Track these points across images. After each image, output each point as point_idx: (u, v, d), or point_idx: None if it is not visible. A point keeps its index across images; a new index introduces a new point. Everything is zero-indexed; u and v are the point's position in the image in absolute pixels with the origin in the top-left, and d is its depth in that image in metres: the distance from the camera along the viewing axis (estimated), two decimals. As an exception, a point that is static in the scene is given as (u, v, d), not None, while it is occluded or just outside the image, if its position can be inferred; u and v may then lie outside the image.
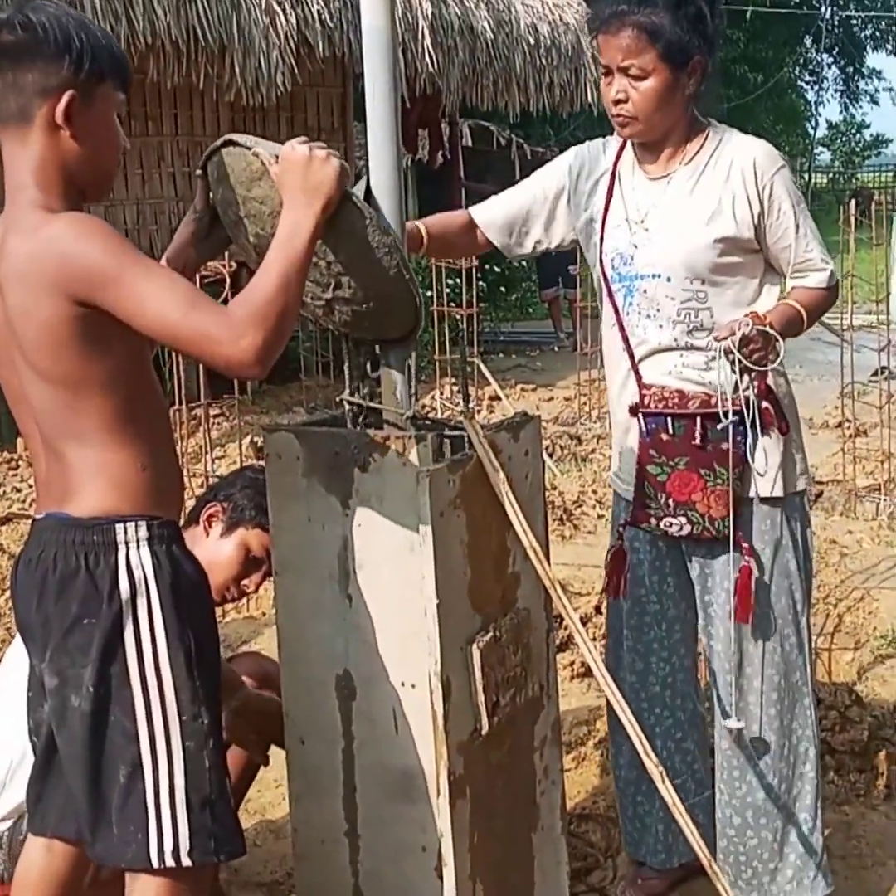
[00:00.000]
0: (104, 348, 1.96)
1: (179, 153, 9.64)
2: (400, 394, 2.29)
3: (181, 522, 3.06)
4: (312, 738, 2.32)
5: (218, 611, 4.71)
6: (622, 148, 2.77)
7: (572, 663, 4.22)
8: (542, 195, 2.84)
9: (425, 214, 2.88)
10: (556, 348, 12.13)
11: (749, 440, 2.62)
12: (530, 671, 2.37)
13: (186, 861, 2.02)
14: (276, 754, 3.56)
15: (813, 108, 36.16)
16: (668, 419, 2.67)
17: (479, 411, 8.00)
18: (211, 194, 2.21)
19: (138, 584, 2.01)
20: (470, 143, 15.19)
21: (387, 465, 2.16)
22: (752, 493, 2.67)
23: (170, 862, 2.02)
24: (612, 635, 2.98)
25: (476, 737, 2.22)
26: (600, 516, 6.18)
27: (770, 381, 2.65)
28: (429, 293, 7.59)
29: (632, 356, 2.73)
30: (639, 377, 2.72)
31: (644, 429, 2.71)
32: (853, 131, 42.13)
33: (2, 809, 2.53)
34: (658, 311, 2.68)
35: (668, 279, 2.65)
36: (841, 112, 39.56)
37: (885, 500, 5.99)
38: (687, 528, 2.69)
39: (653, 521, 2.74)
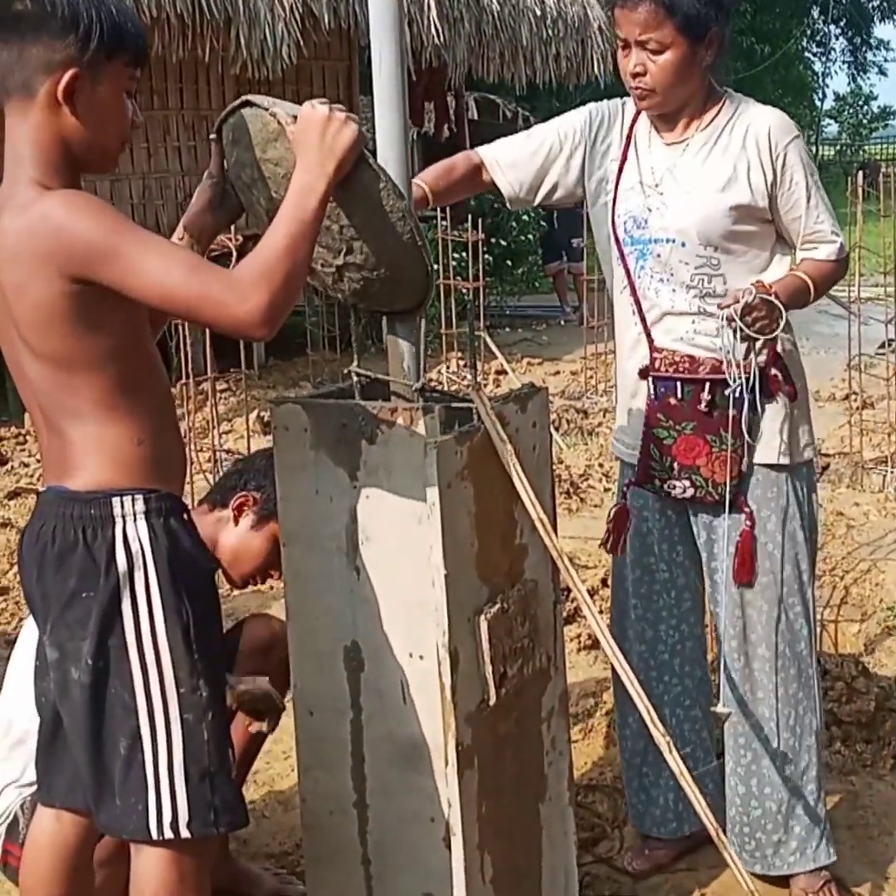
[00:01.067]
0: (96, 326, 1.95)
1: (185, 127, 9.62)
2: (407, 366, 2.29)
3: (199, 499, 3.08)
4: (321, 709, 2.33)
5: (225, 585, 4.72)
6: (639, 111, 2.76)
7: (579, 635, 4.23)
8: (559, 144, 2.81)
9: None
10: (562, 323, 12.09)
11: (756, 408, 2.62)
12: (538, 642, 2.37)
13: (185, 833, 2.03)
14: (285, 726, 3.58)
15: (820, 79, 35.95)
16: (678, 383, 2.70)
17: (485, 385, 7.99)
18: (225, 158, 2.20)
19: (135, 557, 2.01)
20: (476, 117, 15.12)
21: (394, 437, 2.16)
22: (757, 460, 2.70)
23: (168, 834, 2.03)
24: (618, 606, 2.99)
25: (484, 708, 2.23)
26: (607, 490, 6.18)
27: (779, 348, 2.66)
28: (435, 267, 7.58)
29: (644, 319, 2.74)
30: (650, 340, 2.73)
31: (653, 392, 2.73)
32: (861, 103, 41.90)
33: (27, 777, 2.55)
34: (672, 275, 2.69)
35: (683, 244, 2.66)
36: (848, 83, 39.37)
37: (891, 472, 5.98)
38: (690, 491, 2.73)
39: (657, 482, 2.77)
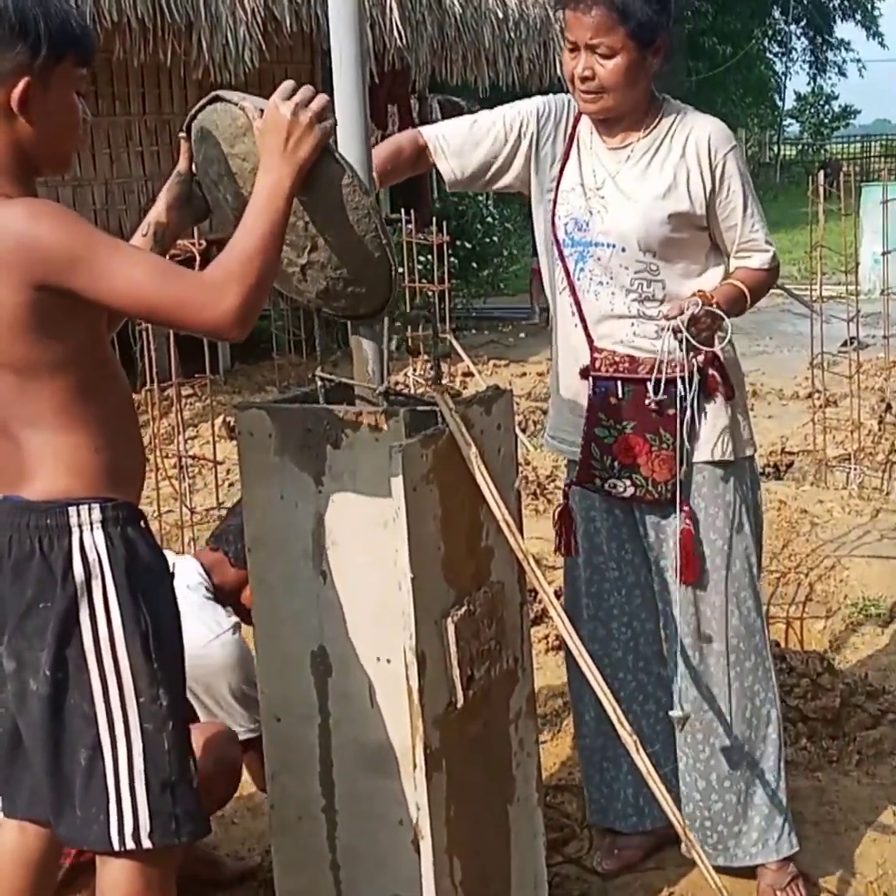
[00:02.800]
0: (55, 334, 1.94)
1: (147, 132, 9.56)
2: (372, 370, 2.29)
3: (209, 540, 3.08)
4: (288, 715, 2.32)
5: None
6: (580, 114, 2.77)
7: (547, 636, 4.24)
8: (504, 136, 2.79)
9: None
10: (536, 321, 11.94)
11: (696, 408, 2.66)
12: (505, 644, 2.38)
13: (147, 843, 2.03)
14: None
15: (782, 79, 36.20)
16: (619, 383, 2.72)
17: (452, 387, 7.98)
18: (193, 156, 2.20)
19: (92, 566, 1.99)
20: (440, 119, 15.14)
21: (359, 441, 2.16)
22: (699, 458, 2.73)
23: (130, 844, 2.02)
24: (570, 606, 2.99)
25: (451, 710, 2.23)
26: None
27: (716, 348, 2.69)
28: (400, 270, 7.56)
29: (584, 321, 2.76)
30: (590, 341, 2.75)
31: (593, 391, 2.75)
32: (822, 103, 42.18)
33: None
34: (611, 278, 2.71)
35: (623, 249, 2.68)
36: (809, 83, 39.61)
37: (855, 469, 6.03)
38: (630, 490, 2.75)
39: (598, 481, 2.79)
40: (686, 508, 2.72)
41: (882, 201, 6.90)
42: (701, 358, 2.64)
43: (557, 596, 4.35)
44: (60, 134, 2.02)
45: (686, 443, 2.68)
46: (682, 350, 2.57)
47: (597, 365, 2.74)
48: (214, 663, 2.76)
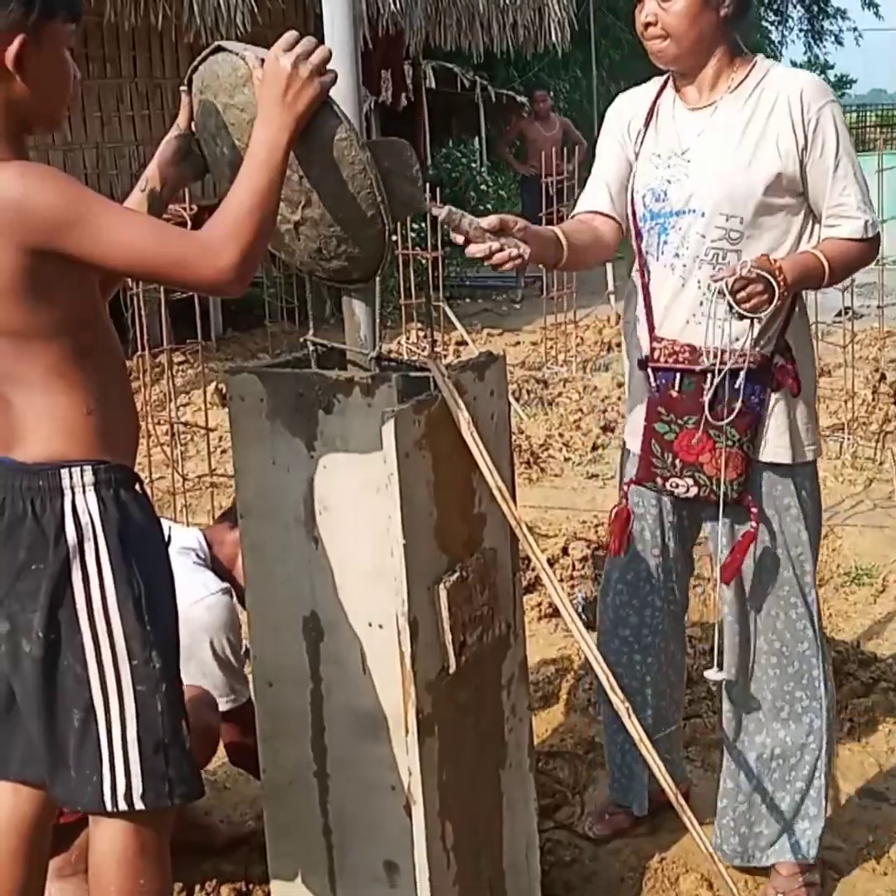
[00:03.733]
0: (50, 298, 1.93)
1: (139, 96, 9.49)
2: (364, 335, 2.27)
3: (221, 515, 3.08)
4: (280, 680, 2.32)
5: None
6: (664, 84, 2.67)
7: (539, 604, 4.25)
8: (624, 158, 2.69)
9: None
10: (519, 296, 11.82)
11: (762, 401, 2.51)
12: (497, 610, 2.37)
13: (139, 805, 2.03)
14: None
15: (777, 48, 35.94)
16: (678, 375, 2.56)
17: (445, 356, 7.98)
18: (193, 109, 2.17)
19: (85, 529, 1.99)
20: (433, 85, 15.02)
21: (351, 407, 2.15)
22: (763, 457, 2.58)
23: (122, 805, 2.03)
24: (606, 587, 2.92)
25: (444, 676, 2.23)
26: (567, 459, 6.20)
27: (789, 337, 2.54)
28: (394, 237, 7.53)
29: (649, 304, 2.62)
30: (651, 328, 2.61)
31: (653, 384, 2.60)
32: (818, 72, 41.99)
33: None
34: (687, 249, 2.55)
35: (703, 214, 2.51)
36: (805, 52, 39.32)
37: (848, 439, 6.03)
38: (693, 491, 2.60)
39: (659, 480, 2.64)
40: (754, 510, 2.58)
41: (877, 171, 6.85)
42: (746, 343, 2.45)
43: (551, 563, 4.38)
44: (54, 91, 2.00)
45: (755, 439, 2.54)
46: (730, 315, 2.38)
47: (656, 355, 2.59)
48: (197, 624, 2.74)
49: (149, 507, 2.12)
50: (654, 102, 2.67)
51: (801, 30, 36.63)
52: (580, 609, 4.17)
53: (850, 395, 6.29)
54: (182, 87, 2.19)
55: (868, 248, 2.55)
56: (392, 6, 9.89)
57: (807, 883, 2.78)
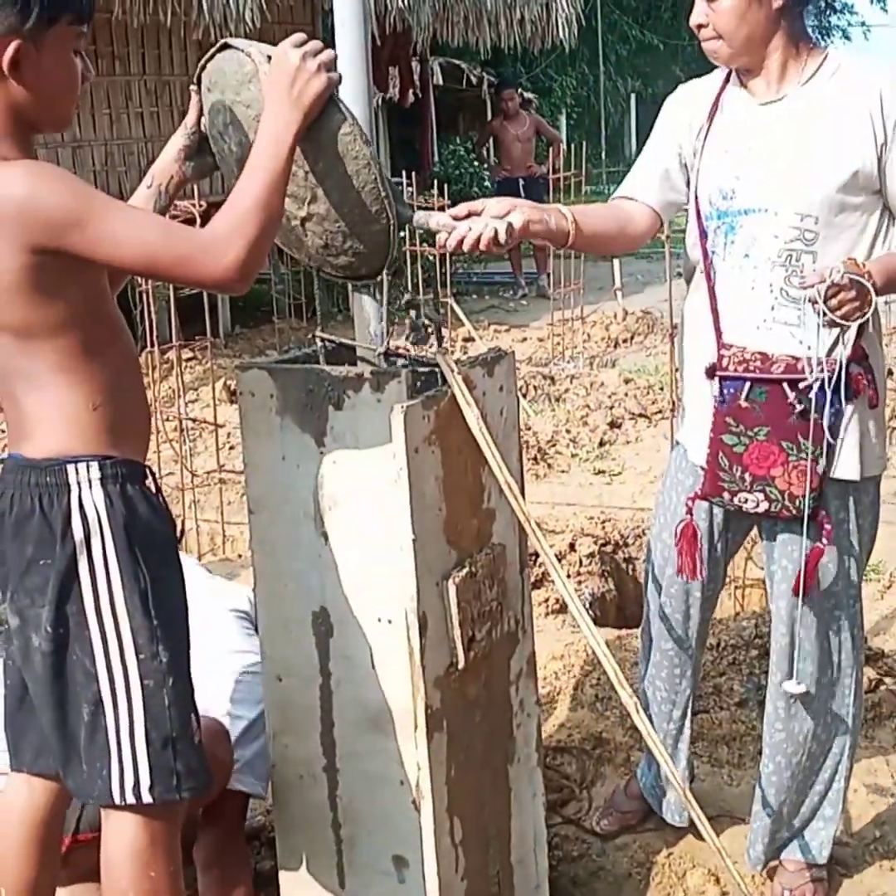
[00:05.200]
0: (55, 295, 1.93)
1: (147, 93, 9.50)
2: (373, 331, 2.28)
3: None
4: (289, 675, 2.33)
5: (193, 553, 4.73)
6: (728, 76, 2.55)
7: (547, 600, 4.25)
8: (677, 153, 2.61)
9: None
10: (522, 296, 11.68)
11: (840, 411, 2.40)
12: (506, 606, 2.38)
13: (147, 798, 2.04)
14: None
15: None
16: (749, 384, 2.44)
17: (452, 352, 7.98)
18: (203, 107, 2.18)
19: (92, 524, 2.00)
20: (441, 82, 15.04)
21: (361, 402, 2.15)
22: (834, 473, 2.46)
23: (130, 799, 2.04)
24: (651, 601, 2.86)
25: (452, 671, 2.23)
26: (574, 455, 6.20)
27: (865, 343, 2.40)
28: (401, 233, 7.54)
29: (715, 307, 2.51)
30: (719, 334, 2.50)
31: (721, 394, 2.48)
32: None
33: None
34: (759, 251, 2.44)
35: (776, 213, 2.41)
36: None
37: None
38: (764, 505, 2.48)
39: (726, 495, 2.52)
40: (827, 527, 2.48)
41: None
42: (846, 352, 2.34)
43: (559, 559, 4.38)
44: (57, 94, 2.00)
45: (836, 451, 2.43)
46: (820, 323, 2.25)
47: (724, 363, 2.47)
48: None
49: (158, 502, 2.12)
50: (719, 96, 2.56)
51: (809, 26, 36.51)
52: (588, 604, 4.18)
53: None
54: (192, 87, 2.20)
55: None
56: (400, 3, 9.90)
57: (814, 879, 2.79)
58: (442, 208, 7.60)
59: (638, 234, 2.64)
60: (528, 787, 2.57)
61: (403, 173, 7.34)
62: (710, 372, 2.51)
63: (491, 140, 12.33)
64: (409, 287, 7.59)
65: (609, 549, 4.75)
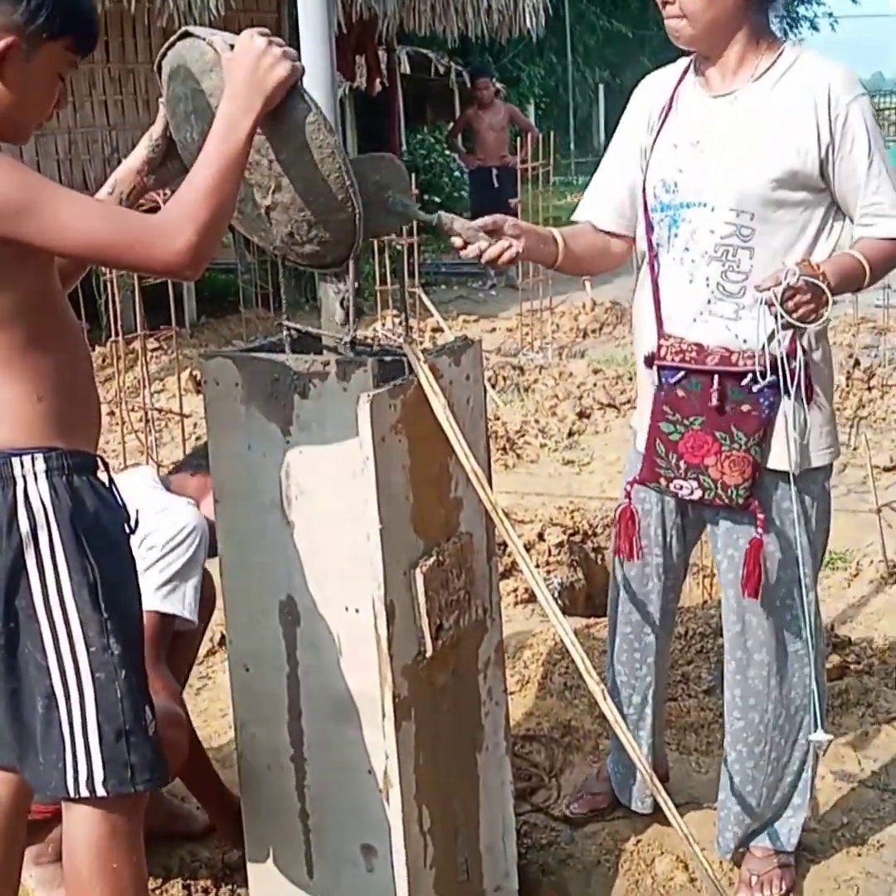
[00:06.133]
0: (3, 284, 1.91)
1: (111, 81, 9.42)
2: (339, 319, 2.27)
3: (176, 466, 3.07)
4: (257, 664, 2.32)
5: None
6: (686, 69, 2.58)
7: (516, 589, 4.26)
8: (636, 156, 2.63)
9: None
10: (491, 287, 11.68)
11: (777, 405, 2.42)
12: (474, 594, 2.38)
13: (101, 791, 2.03)
14: (221, 683, 3.58)
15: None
16: (685, 374, 2.49)
17: (420, 342, 7.97)
18: (163, 93, 2.16)
19: (37, 516, 1.98)
20: (408, 71, 14.99)
21: (327, 391, 2.14)
22: (770, 464, 2.49)
23: (84, 792, 2.03)
24: (617, 589, 2.87)
25: (420, 660, 2.23)
26: (543, 446, 6.21)
27: (803, 340, 2.41)
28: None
29: (657, 299, 2.55)
30: (659, 324, 2.54)
31: (659, 382, 2.54)
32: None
33: None
34: (696, 245, 2.47)
35: (713, 208, 2.44)
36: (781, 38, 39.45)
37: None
38: (697, 493, 2.53)
39: (663, 481, 2.58)
40: (760, 516, 2.50)
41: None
42: (784, 348, 2.35)
43: (527, 549, 4.39)
44: (27, 105, 1.99)
45: (772, 443, 2.47)
46: (777, 325, 2.27)
47: (662, 353, 2.51)
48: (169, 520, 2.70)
49: (107, 492, 2.10)
50: (675, 89, 2.58)
51: (776, 16, 36.62)
52: (556, 594, 4.19)
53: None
54: (161, 99, 2.19)
55: None
56: (366, -9, 9.87)
57: (781, 864, 2.80)
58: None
59: (616, 258, 2.74)
60: (497, 776, 2.57)
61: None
62: (649, 361, 2.56)
63: (464, 129, 12.27)
64: (377, 277, 7.58)
65: (578, 538, 4.76)
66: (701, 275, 2.48)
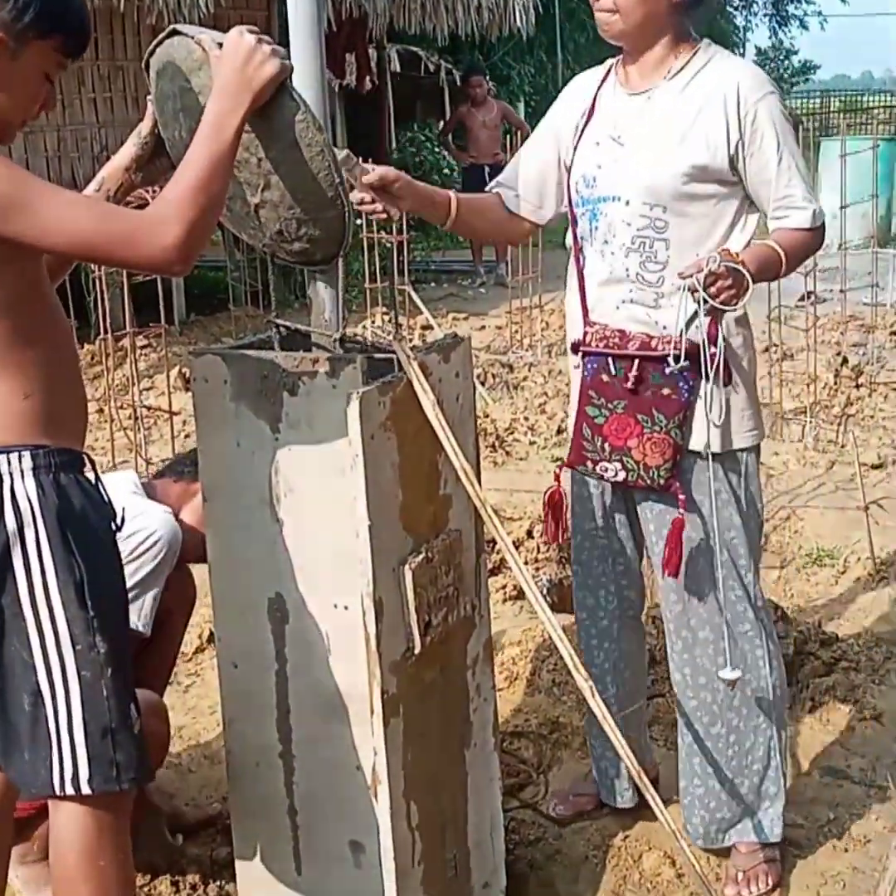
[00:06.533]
0: None
1: (100, 78, 9.39)
2: (329, 317, 2.27)
3: (160, 471, 3.07)
4: (245, 661, 2.32)
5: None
6: (610, 69, 2.67)
7: (505, 586, 4.26)
8: (555, 148, 2.71)
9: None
10: (480, 284, 11.67)
11: (703, 388, 2.49)
12: (462, 591, 2.39)
13: (86, 789, 2.03)
14: (210, 681, 3.58)
15: (742, 33, 36.01)
16: (609, 359, 2.58)
17: (410, 340, 7.97)
18: (151, 91, 2.16)
19: (24, 514, 1.97)
20: (398, 69, 14.97)
21: (316, 389, 2.15)
22: (692, 445, 2.57)
23: (69, 789, 2.03)
24: (573, 575, 2.94)
25: (409, 656, 2.24)
26: (532, 443, 6.22)
27: (724, 327, 2.51)
28: (359, 221, 7.51)
29: (583, 288, 2.65)
30: (585, 312, 2.64)
31: (584, 368, 2.63)
32: (782, 57, 42.10)
33: None
34: (614, 236, 2.57)
35: (628, 202, 2.53)
36: (770, 37, 39.44)
37: (810, 422, 6.08)
38: (621, 475, 2.60)
39: (589, 464, 2.65)
40: (681, 497, 2.57)
41: (840, 155, 6.91)
42: (703, 334, 2.43)
43: (516, 546, 4.39)
44: (11, 103, 1.98)
45: (693, 426, 2.54)
46: (698, 313, 2.36)
47: (587, 339, 2.61)
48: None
49: (93, 490, 2.10)
50: (599, 88, 2.67)
51: (766, 14, 36.73)
52: (545, 591, 4.19)
53: (812, 378, 6.34)
54: (149, 96, 2.19)
55: (817, 236, 2.57)
56: (356, -12, 9.86)
57: (767, 859, 2.81)
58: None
59: (514, 236, 2.93)
60: (485, 772, 2.57)
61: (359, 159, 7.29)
62: (575, 347, 2.67)
63: (456, 127, 12.25)
64: (367, 275, 7.57)
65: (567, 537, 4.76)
66: (621, 266, 2.57)
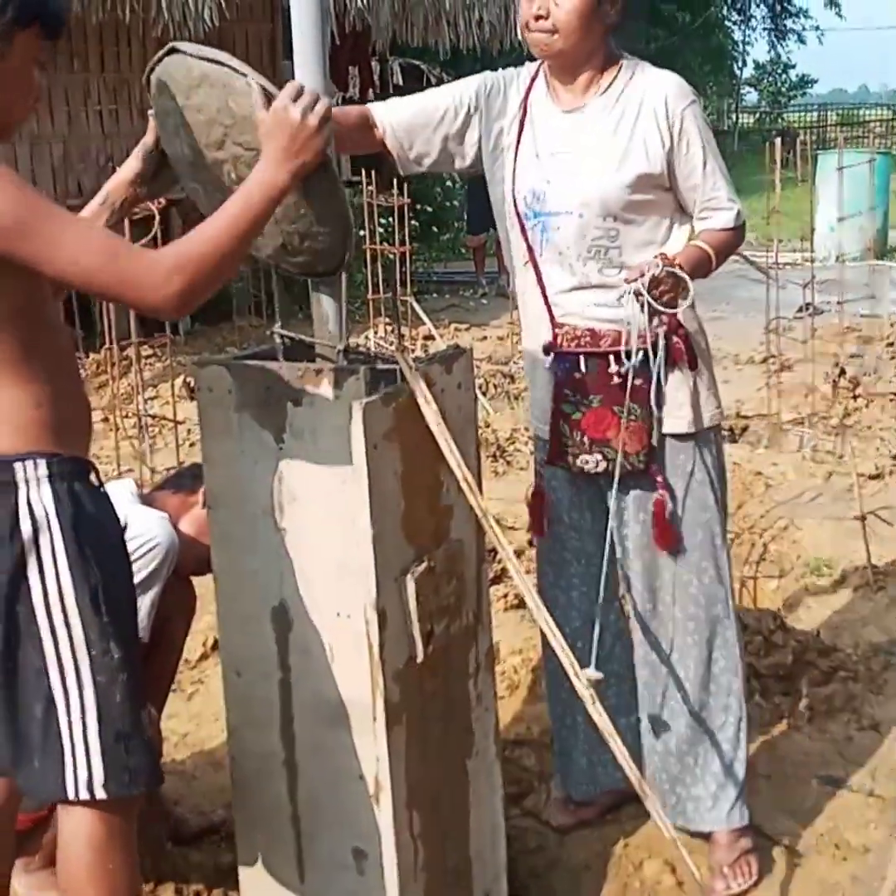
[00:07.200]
0: None
1: (106, 90, 9.45)
2: (332, 328, 2.30)
3: (160, 484, 3.09)
4: (249, 670, 2.34)
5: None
6: (534, 79, 2.72)
7: (506, 595, 4.28)
8: (454, 113, 2.73)
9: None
10: (482, 295, 11.70)
11: (662, 377, 2.62)
12: (464, 600, 2.40)
13: (101, 794, 2.05)
14: (215, 689, 3.60)
15: (740, 47, 36.08)
16: (581, 358, 2.69)
17: (412, 350, 7.99)
18: (152, 107, 2.19)
19: (40, 522, 1.99)
20: (401, 82, 15.02)
21: (320, 399, 2.17)
22: (665, 429, 2.70)
23: (84, 794, 2.05)
24: (541, 575, 3.01)
25: (411, 665, 2.25)
26: (533, 453, 6.23)
27: (680, 317, 2.63)
28: (361, 232, 7.54)
29: (545, 295, 2.72)
30: (551, 316, 2.72)
31: (557, 368, 2.72)
32: (779, 71, 42.21)
33: None
34: (569, 248, 2.65)
35: (581, 216, 2.62)
36: (768, 51, 39.58)
37: (808, 432, 6.10)
38: (602, 465, 2.72)
39: (570, 459, 2.76)
40: (659, 479, 2.71)
41: (837, 168, 6.94)
42: (664, 327, 2.59)
43: (518, 555, 4.41)
44: (10, 100, 1.99)
45: (655, 412, 2.66)
46: (643, 314, 2.50)
47: (558, 341, 2.71)
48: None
49: (104, 498, 2.12)
50: (527, 98, 2.71)
51: (764, 29, 36.80)
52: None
53: (810, 389, 6.37)
54: (150, 111, 2.21)
55: (739, 235, 2.71)
56: (359, 2, 9.91)
57: (743, 849, 2.87)
58: (401, 208, 7.62)
59: (359, 148, 2.89)
60: (487, 780, 2.59)
61: (363, 172, 7.34)
62: (547, 350, 2.74)
63: None
64: (370, 286, 7.60)
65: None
66: (581, 272, 2.67)
